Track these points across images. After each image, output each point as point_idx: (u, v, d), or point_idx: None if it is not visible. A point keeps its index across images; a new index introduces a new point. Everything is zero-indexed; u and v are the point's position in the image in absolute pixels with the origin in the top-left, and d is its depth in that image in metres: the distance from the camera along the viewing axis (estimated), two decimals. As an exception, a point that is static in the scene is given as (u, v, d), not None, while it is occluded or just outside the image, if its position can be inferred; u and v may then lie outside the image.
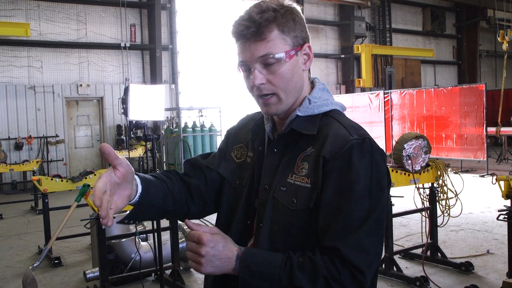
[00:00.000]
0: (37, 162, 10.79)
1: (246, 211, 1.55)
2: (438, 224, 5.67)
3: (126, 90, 4.15)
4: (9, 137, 13.50)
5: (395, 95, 15.46)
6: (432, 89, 14.64)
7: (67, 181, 6.70)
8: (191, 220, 1.41)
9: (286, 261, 1.32)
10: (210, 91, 16.68)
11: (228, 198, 1.62)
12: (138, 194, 1.44)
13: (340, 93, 19.74)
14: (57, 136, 14.19)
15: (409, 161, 5.30)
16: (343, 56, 20.23)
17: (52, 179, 6.56)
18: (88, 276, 5.17)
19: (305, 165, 1.42)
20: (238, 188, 1.60)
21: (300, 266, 1.31)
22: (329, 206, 1.35)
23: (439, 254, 5.63)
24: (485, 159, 12.89)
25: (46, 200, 6.45)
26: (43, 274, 5.84)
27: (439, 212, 5.64)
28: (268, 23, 1.40)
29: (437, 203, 5.63)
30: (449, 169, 5.91)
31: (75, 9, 14.57)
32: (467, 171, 13.31)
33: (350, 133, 1.40)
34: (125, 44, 15.14)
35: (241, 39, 1.42)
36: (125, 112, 4.15)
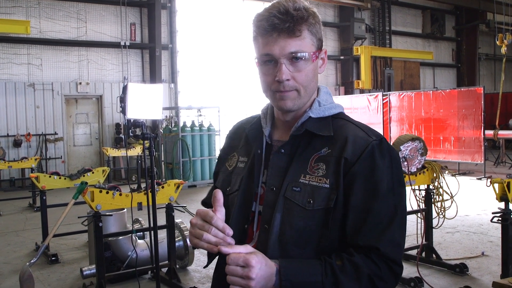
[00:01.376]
0: (35, 159, 10.81)
1: (243, 215, 1.53)
2: (434, 226, 5.70)
3: (125, 88, 4.18)
4: (8, 134, 13.52)
5: (394, 97, 15.50)
6: (431, 91, 14.68)
7: (65, 178, 6.74)
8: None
9: (326, 268, 1.34)
10: (209, 91, 16.69)
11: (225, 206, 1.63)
12: None
13: (339, 94, 19.75)
14: (56, 133, 14.21)
15: (405, 163, 5.34)
16: (343, 57, 20.26)
17: (50, 177, 6.60)
18: (84, 273, 5.20)
19: (321, 165, 1.44)
20: (231, 195, 1.59)
21: (341, 270, 1.34)
22: (358, 207, 1.39)
23: (434, 256, 5.66)
24: (482, 162, 12.94)
25: (44, 197, 6.49)
26: (40, 270, 5.87)
27: (434, 214, 5.67)
28: (302, 21, 1.43)
29: (433, 205, 5.66)
30: (446, 172, 5.94)
31: (75, 7, 14.58)
32: (464, 174, 13.34)
33: (368, 135, 1.46)
34: (125, 43, 15.16)
35: (273, 32, 1.41)
36: (123, 111, 4.18)
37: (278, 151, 1.51)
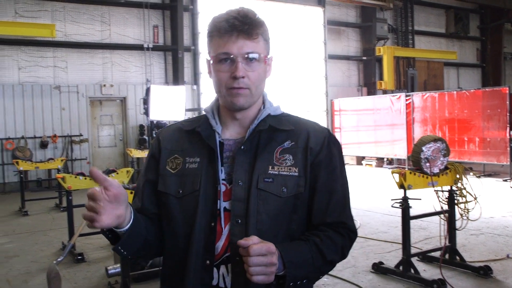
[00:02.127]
0: (61, 160, 11.00)
1: (208, 213, 1.55)
2: (457, 228, 5.65)
3: (148, 91, 4.26)
4: (35, 135, 13.79)
5: (417, 97, 15.36)
6: (455, 92, 14.52)
7: (90, 179, 6.84)
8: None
9: (311, 246, 1.52)
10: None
11: (176, 210, 1.60)
12: (131, 222, 1.47)
13: (361, 95, 19.66)
14: (81, 135, 14.44)
15: (427, 164, 5.31)
16: (365, 58, 20.15)
17: (75, 177, 6.71)
18: (109, 272, 5.29)
19: (287, 156, 1.59)
20: (185, 196, 1.59)
21: (323, 244, 1.54)
22: (323, 190, 1.60)
23: (457, 258, 5.62)
24: (508, 163, 12.74)
25: (70, 198, 6.58)
26: (67, 269, 5.99)
27: (457, 216, 5.63)
28: (259, 26, 1.56)
29: (456, 207, 5.62)
30: (471, 173, 5.89)
31: (99, 11, 14.81)
32: (490, 175, 13.16)
33: (320, 127, 1.68)
34: (148, 45, 15.33)
35: (233, 32, 1.52)
36: (147, 112, 4.26)
37: (239, 148, 1.59)
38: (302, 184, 1.57)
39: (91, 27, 14.67)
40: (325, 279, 5.31)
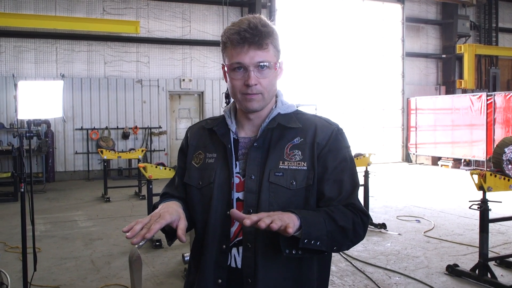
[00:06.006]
0: (142, 151, 11.49)
1: (224, 202, 1.73)
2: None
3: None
4: (117, 126, 14.51)
5: (499, 97, 14.73)
6: (542, 92, 13.80)
7: (170, 169, 7.14)
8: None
9: (322, 212, 1.62)
10: (306, 89, 16.77)
11: (197, 199, 1.80)
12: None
13: (439, 94, 19.08)
14: (160, 127, 15.02)
15: (510, 166, 5.15)
16: (444, 56, 19.50)
17: (156, 167, 7.02)
18: (186, 258, 5.52)
19: (296, 152, 1.72)
20: (203, 187, 1.78)
21: (333, 213, 1.63)
22: (331, 179, 1.71)
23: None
24: None
25: (150, 186, 6.88)
26: (145, 254, 6.31)
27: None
28: (268, 36, 1.68)
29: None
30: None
31: (181, 8, 15.31)
32: None
33: (329, 123, 1.80)
34: (225, 42, 15.61)
35: (244, 44, 1.65)
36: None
37: (252, 145, 1.74)
38: (311, 177, 1.69)
39: (173, 23, 15.20)
40: (397, 278, 5.30)
